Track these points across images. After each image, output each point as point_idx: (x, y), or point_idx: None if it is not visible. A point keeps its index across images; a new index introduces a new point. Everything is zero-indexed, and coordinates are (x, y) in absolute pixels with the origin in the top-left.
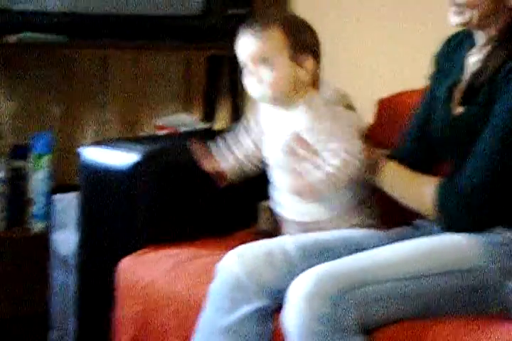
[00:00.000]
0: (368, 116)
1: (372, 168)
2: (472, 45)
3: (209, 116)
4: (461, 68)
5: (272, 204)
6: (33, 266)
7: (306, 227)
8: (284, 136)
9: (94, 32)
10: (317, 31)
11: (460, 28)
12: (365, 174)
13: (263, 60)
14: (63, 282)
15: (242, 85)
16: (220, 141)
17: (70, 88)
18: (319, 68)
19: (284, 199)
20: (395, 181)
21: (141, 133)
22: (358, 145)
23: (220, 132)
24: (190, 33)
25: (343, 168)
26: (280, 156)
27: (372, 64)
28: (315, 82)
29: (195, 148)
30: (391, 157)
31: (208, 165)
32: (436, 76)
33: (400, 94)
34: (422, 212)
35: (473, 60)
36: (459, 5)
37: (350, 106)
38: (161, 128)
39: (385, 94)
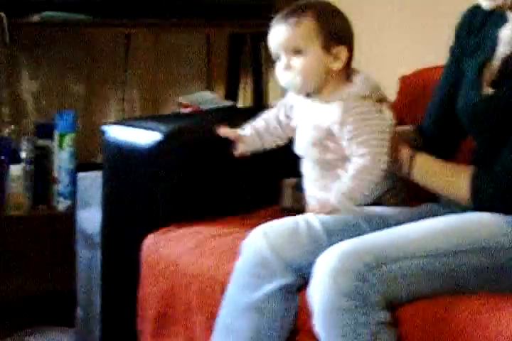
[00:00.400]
0: (390, 93)
1: (402, 164)
2: (504, 21)
3: (231, 93)
4: (492, 45)
5: (295, 181)
6: (58, 243)
7: None
8: (314, 128)
9: (116, 10)
10: (338, 5)
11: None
12: (395, 170)
13: (295, 48)
14: (88, 259)
15: (264, 63)
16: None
17: (92, 66)
18: (352, 58)
19: (311, 188)
20: (428, 175)
21: (164, 111)
22: (384, 151)
23: (243, 110)
24: (212, 10)
25: (359, 180)
26: (307, 147)
27: (393, 40)
28: (348, 72)
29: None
30: (415, 135)
31: (223, 130)
32: (461, 51)
33: (422, 71)
34: (457, 201)
35: (508, 33)
36: None
37: (382, 99)
38: (184, 105)
39: (408, 70)
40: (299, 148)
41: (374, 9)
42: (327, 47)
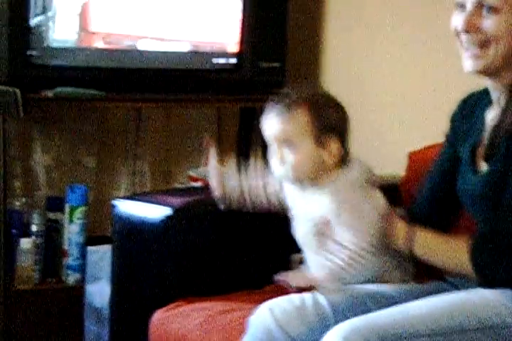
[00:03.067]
0: (398, 168)
1: (401, 240)
2: (490, 102)
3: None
4: (482, 127)
5: (304, 257)
6: (67, 317)
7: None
8: (311, 218)
9: (128, 86)
10: (347, 81)
11: (473, 91)
12: (394, 245)
13: (286, 141)
14: (97, 334)
15: None
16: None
17: (104, 140)
18: (347, 146)
19: (314, 268)
20: (429, 251)
21: (175, 185)
22: (373, 236)
23: None
24: (223, 86)
25: (347, 263)
26: (308, 237)
27: (402, 116)
28: (342, 161)
29: (208, 145)
30: (408, 218)
31: (214, 181)
32: (455, 137)
33: (430, 148)
34: (460, 272)
35: (492, 115)
36: (480, 42)
37: (374, 183)
38: (194, 179)
39: (416, 147)
40: (299, 238)
41: (384, 85)
42: (320, 141)
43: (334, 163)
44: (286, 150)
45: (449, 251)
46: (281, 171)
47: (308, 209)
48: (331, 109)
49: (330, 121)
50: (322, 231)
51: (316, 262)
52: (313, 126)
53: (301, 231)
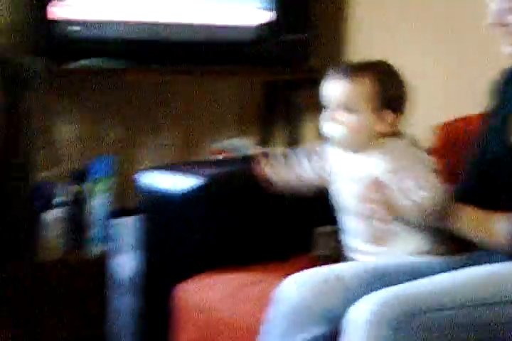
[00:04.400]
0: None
1: (445, 213)
2: None
3: (265, 140)
4: None
5: (329, 229)
6: (92, 289)
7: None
8: (358, 181)
9: (153, 58)
10: (370, 54)
11: None
12: (438, 220)
13: (347, 105)
14: (122, 305)
15: (297, 110)
16: (280, 155)
17: (129, 113)
18: (402, 119)
19: (351, 239)
20: (467, 224)
21: (198, 157)
22: (436, 183)
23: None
24: (247, 58)
25: (423, 201)
26: (353, 202)
27: (428, 89)
28: (393, 132)
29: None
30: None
31: (259, 169)
32: (492, 109)
33: (458, 120)
34: (497, 248)
35: None
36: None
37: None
38: (218, 152)
39: (442, 119)
40: (341, 203)
41: (408, 57)
42: (378, 110)
43: (387, 133)
44: (345, 114)
45: (487, 224)
46: (334, 131)
47: (356, 172)
48: (396, 82)
49: (392, 93)
50: (369, 195)
51: (356, 226)
52: (376, 95)
53: (346, 193)
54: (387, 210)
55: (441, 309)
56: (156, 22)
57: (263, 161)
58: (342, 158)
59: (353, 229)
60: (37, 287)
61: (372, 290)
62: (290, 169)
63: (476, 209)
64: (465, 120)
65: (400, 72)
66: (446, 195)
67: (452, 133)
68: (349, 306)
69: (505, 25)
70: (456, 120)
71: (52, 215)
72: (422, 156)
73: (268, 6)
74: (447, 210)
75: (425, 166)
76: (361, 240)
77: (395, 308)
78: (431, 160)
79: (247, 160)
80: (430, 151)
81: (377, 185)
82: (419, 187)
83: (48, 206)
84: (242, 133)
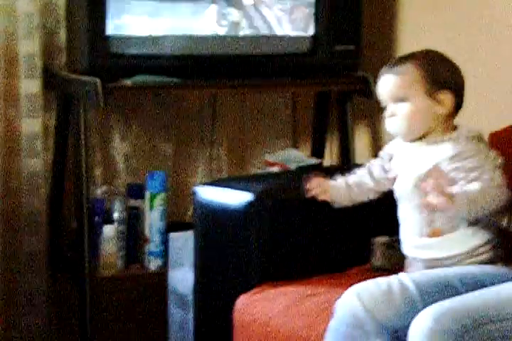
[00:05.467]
0: None
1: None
2: None
3: (317, 152)
4: None
5: (386, 239)
6: (151, 303)
7: (429, 264)
8: (419, 169)
9: (204, 72)
10: None
11: None
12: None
13: (398, 95)
14: (181, 319)
15: (350, 121)
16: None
17: (180, 127)
18: (461, 103)
19: (409, 234)
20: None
21: (251, 170)
22: (500, 179)
23: (330, 168)
24: (298, 70)
25: (480, 192)
26: (409, 189)
27: (478, 98)
28: (451, 120)
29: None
30: None
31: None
32: None
33: (507, 129)
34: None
35: None
36: None
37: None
38: (270, 164)
39: (495, 127)
40: (399, 193)
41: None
42: (431, 93)
43: (445, 116)
44: (399, 104)
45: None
46: (394, 125)
47: (417, 162)
48: (443, 65)
49: (441, 76)
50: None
51: (412, 216)
52: (423, 80)
53: (404, 185)
54: (441, 198)
55: (503, 319)
56: (207, 36)
57: (314, 189)
58: (406, 152)
59: (409, 220)
60: (97, 302)
61: (434, 301)
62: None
63: None
64: None
65: (450, 60)
66: (506, 194)
67: (506, 141)
68: (412, 316)
69: None
70: (509, 127)
71: (111, 230)
72: (487, 151)
73: (318, 18)
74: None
75: (490, 161)
76: (416, 232)
77: (458, 318)
78: (497, 157)
79: (301, 172)
80: None
81: (437, 171)
82: (479, 179)
83: (106, 221)
84: (295, 144)
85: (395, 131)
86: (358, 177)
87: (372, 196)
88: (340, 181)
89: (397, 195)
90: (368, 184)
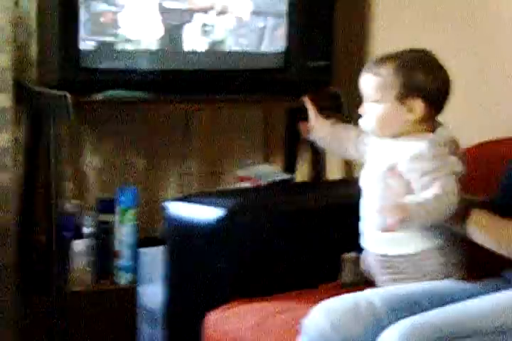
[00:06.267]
0: None
1: (460, 215)
2: None
3: (289, 167)
4: None
5: (355, 255)
6: (120, 318)
7: (382, 262)
8: (382, 165)
9: (176, 87)
10: None
11: None
12: (452, 221)
13: (372, 97)
14: (150, 335)
15: None
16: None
17: (152, 142)
18: (438, 111)
19: (370, 229)
20: (484, 228)
21: (223, 184)
22: (453, 185)
23: (303, 184)
24: (270, 85)
25: (433, 201)
26: (372, 181)
27: (455, 113)
28: (433, 125)
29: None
30: (482, 205)
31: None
32: None
33: (487, 144)
34: None
35: None
36: None
37: (456, 153)
38: (242, 178)
39: (471, 143)
40: (363, 182)
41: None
42: (401, 99)
43: (416, 122)
44: (372, 104)
45: (506, 232)
46: (364, 122)
47: (382, 157)
48: (423, 70)
49: (416, 82)
50: (385, 179)
51: (371, 208)
52: (397, 83)
53: (368, 176)
54: (396, 199)
55: (470, 335)
56: (179, 51)
57: (313, 111)
58: (375, 144)
59: (367, 210)
60: (66, 317)
61: (401, 317)
62: (336, 129)
63: (492, 214)
64: (495, 144)
65: (436, 61)
66: (457, 199)
67: (481, 158)
68: (380, 332)
69: None
70: (485, 144)
71: (81, 245)
72: (449, 156)
73: (289, 34)
74: (460, 213)
75: (449, 167)
76: (372, 223)
77: (425, 335)
78: (458, 164)
79: (272, 188)
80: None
81: (393, 172)
82: (431, 185)
83: (76, 236)
84: (267, 159)
85: (365, 128)
86: (348, 126)
87: (349, 150)
88: (329, 124)
89: (361, 183)
90: (352, 136)
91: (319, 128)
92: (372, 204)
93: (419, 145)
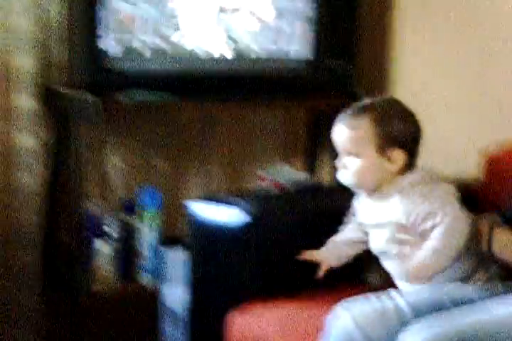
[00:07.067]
0: (470, 173)
1: (485, 237)
2: None
3: (310, 168)
4: None
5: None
6: (143, 318)
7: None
8: (383, 226)
9: (199, 90)
10: (415, 84)
11: None
12: (478, 244)
13: (350, 149)
14: (173, 335)
15: None
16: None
17: (175, 143)
18: (415, 157)
19: (398, 283)
20: (507, 249)
21: (244, 184)
22: (459, 212)
23: (326, 188)
24: (291, 88)
25: (443, 247)
26: (384, 245)
27: (472, 119)
28: (405, 169)
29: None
30: (506, 220)
31: (304, 256)
32: None
33: (508, 150)
34: None
35: None
36: None
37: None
38: (263, 179)
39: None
40: (376, 249)
41: (452, 87)
42: (382, 151)
43: (396, 172)
44: (350, 158)
45: None
46: (344, 177)
47: (380, 217)
48: (399, 119)
49: (395, 132)
50: (399, 238)
51: (395, 269)
52: (377, 136)
53: (377, 239)
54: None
55: (491, 339)
56: (203, 54)
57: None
58: (366, 205)
59: (394, 271)
60: (90, 317)
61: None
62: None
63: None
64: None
65: (406, 108)
66: (470, 223)
67: (504, 166)
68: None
69: None
70: (502, 152)
71: (104, 245)
72: (436, 190)
73: (312, 38)
74: (484, 234)
75: (442, 199)
76: (402, 280)
77: (448, 337)
78: (447, 191)
79: (297, 193)
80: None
81: (403, 229)
82: (438, 225)
83: (99, 236)
84: (287, 160)
85: (345, 183)
86: (345, 236)
87: (364, 246)
88: (328, 246)
89: (373, 250)
90: (357, 240)
91: (326, 257)
92: (391, 264)
93: (401, 196)
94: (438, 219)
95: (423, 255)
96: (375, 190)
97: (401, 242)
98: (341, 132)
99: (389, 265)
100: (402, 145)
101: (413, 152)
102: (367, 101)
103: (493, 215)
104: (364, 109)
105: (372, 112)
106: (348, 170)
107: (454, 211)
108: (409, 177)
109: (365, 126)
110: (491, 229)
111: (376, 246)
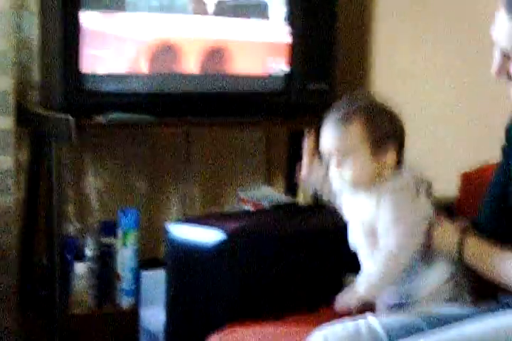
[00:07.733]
0: (450, 188)
1: (454, 243)
2: None
3: (291, 189)
4: None
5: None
6: None
7: (398, 307)
8: (361, 220)
9: (177, 110)
10: (396, 102)
11: None
12: (448, 249)
13: (343, 153)
14: None
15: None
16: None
17: (154, 165)
18: (403, 154)
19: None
20: (477, 258)
21: (225, 206)
22: (414, 238)
23: (304, 208)
24: (271, 108)
25: (380, 269)
26: (361, 239)
27: (454, 136)
28: (394, 169)
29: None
30: (471, 227)
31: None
32: (510, 148)
33: (484, 168)
34: (507, 287)
35: None
36: None
37: (428, 193)
38: (244, 201)
39: (467, 167)
40: (353, 241)
41: (434, 105)
42: (376, 152)
43: (391, 169)
44: (344, 161)
45: (498, 262)
46: (339, 181)
47: (359, 212)
48: (386, 118)
49: (385, 131)
50: (370, 233)
51: (367, 263)
52: (369, 138)
53: (354, 233)
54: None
55: None
56: (180, 74)
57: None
58: (350, 200)
59: (363, 265)
60: (67, 340)
61: None
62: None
63: (484, 242)
64: (491, 168)
65: (386, 105)
66: (425, 237)
67: (478, 182)
68: None
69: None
70: (481, 168)
71: (83, 268)
72: (405, 206)
73: (291, 57)
74: (451, 237)
75: (405, 219)
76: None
77: None
78: (419, 208)
79: (274, 211)
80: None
81: (372, 231)
82: (386, 243)
83: (78, 258)
84: (268, 181)
85: (338, 186)
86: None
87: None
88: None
89: (350, 242)
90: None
91: (312, 169)
92: (366, 258)
93: (380, 195)
94: (389, 239)
95: (368, 275)
96: (366, 188)
97: (376, 239)
98: (331, 138)
99: (363, 260)
100: (392, 143)
101: (401, 149)
102: (349, 103)
103: (464, 220)
104: (351, 112)
105: (361, 114)
106: (343, 170)
107: (404, 237)
108: (394, 179)
109: (356, 129)
110: (463, 234)
111: (352, 239)
